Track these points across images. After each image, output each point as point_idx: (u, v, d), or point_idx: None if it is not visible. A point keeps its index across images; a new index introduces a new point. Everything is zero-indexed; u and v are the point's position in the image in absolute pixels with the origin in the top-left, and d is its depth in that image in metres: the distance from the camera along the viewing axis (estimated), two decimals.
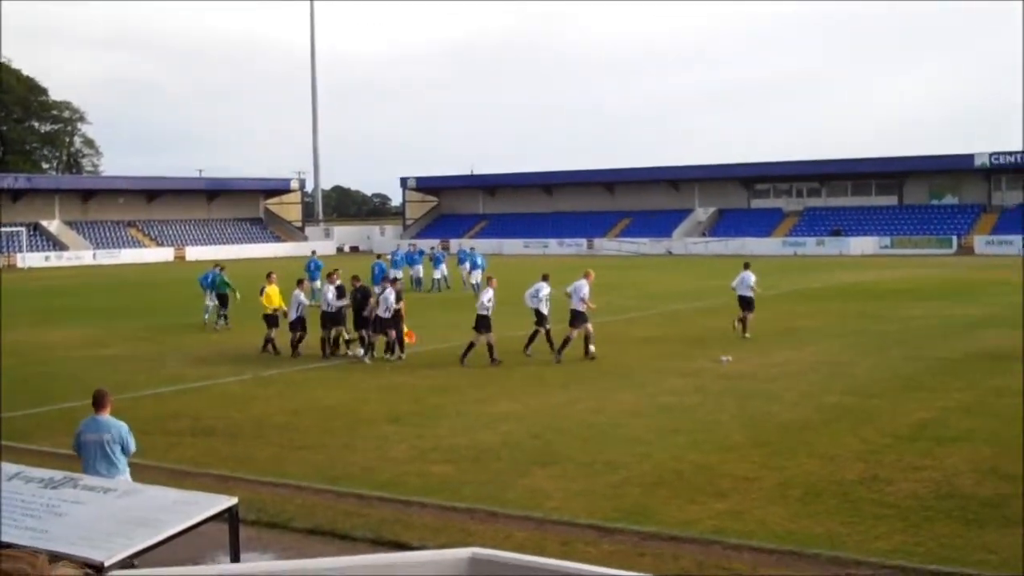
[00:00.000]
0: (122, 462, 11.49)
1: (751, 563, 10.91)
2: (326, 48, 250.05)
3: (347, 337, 27.63)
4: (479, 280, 46.91)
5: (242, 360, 26.78)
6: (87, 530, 9.01)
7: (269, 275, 29.86)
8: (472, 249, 57.68)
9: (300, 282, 29.32)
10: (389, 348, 26.60)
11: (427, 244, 69.94)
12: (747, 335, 28.94)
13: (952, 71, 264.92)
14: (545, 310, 26.23)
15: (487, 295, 25.92)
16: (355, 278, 29.64)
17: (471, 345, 25.33)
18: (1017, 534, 11.51)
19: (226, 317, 35.52)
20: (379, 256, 49.63)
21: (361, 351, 26.73)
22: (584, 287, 26.24)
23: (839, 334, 29.45)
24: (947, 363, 24.00)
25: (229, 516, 9.70)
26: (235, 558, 9.80)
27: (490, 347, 25.26)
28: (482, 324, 25.43)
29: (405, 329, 26.80)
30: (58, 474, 10.88)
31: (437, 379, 23.37)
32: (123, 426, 11.62)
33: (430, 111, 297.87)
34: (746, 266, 30.92)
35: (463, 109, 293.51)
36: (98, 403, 11.68)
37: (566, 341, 25.70)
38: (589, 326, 25.88)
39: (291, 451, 16.52)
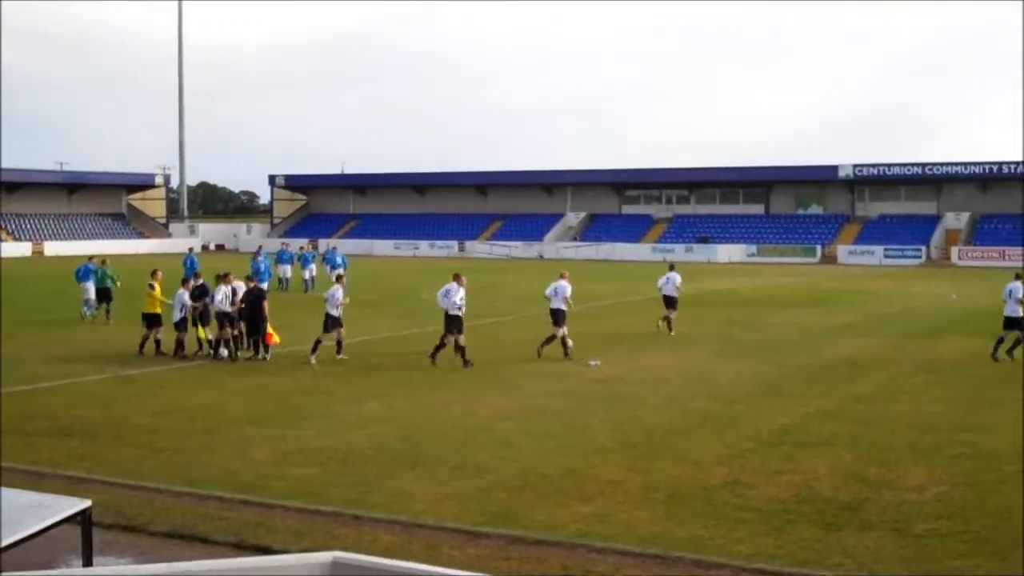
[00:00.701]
0: None
1: (615, 566, 10.95)
2: (194, 40, 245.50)
3: (210, 337, 27.03)
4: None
5: (103, 358, 26.09)
6: None
7: (154, 273, 28.99)
8: (334, 249, 57.29)
9: (184, 281, 28.41)
10: (255, 349, 26.21)
11: (296, 243, 68.87)
12: (672, 333, 30.77)
13: (818, 82, 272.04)
14: (565, 308, 26.75)
15: (459, 294, 25.58)
16: (249, 278, 29.08)
17: (442, 344, 25.17)
18: (873, 537, 11.79)
19: (108, 312, 35.54)
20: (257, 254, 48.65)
21: (225, 352, 26.18)
22: (567, 287, 26.86)
23: (705, 340, 29.93)
24: (808, 370, 24.54)
25: (82, 519, 9.37)
26: (87, 562, 9.49)
27: (461, 348, 25.13)
28: (453, 324, 25.26)
29: (268, 330, 26.36)
30: None
31: (304, 380, 23.06)
32: None
33: (300, 108, 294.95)
34: (671, 267, 33.15)
35: (334, 107, 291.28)
36: None
37: (553, 339, 26.16)
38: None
39: (151, 453, 16.09)
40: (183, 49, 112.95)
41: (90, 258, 39.98)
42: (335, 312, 25.60)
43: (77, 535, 9.71)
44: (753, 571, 10.79)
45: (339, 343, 25.79)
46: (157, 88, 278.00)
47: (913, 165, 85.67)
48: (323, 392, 21.51)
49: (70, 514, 9.28)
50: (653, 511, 12.82)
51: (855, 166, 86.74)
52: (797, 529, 12.09)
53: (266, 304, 26.49)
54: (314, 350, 25.43)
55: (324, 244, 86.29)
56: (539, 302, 28.75)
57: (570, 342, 26.10)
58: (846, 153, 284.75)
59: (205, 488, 13.92)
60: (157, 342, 27.27)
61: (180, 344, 26.86)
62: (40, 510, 9.32)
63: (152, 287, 27.95)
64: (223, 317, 26.53)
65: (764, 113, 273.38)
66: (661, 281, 32.52)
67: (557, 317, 26.47)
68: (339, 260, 49.90)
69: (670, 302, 31.80)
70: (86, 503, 9.39)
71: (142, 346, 27.24)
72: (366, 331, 30.93)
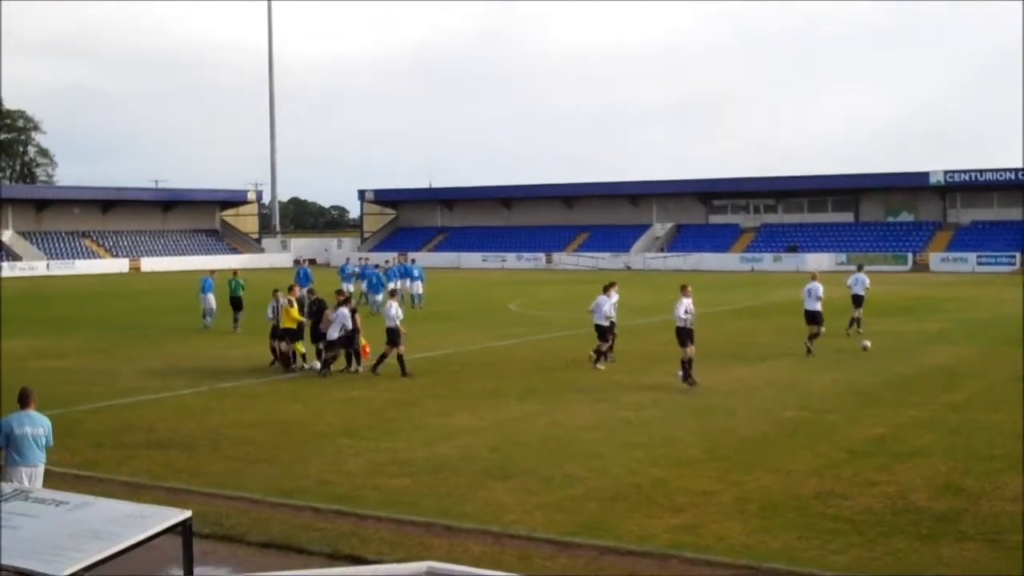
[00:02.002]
0: (44, 453, 12.71)
1: None
2: (285, 58, 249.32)
3: (302, 351, 27.45)
4: (419, 291, 47.14)
5: (198, 372, 26.56)
6: (39, 544, 8.87)
7: (291, 288, 28.70)
8: (413, 262, 56.70)
9: (275, 292, 28.80)
10: (348, 361, 26.49)
11: (383, 257, 69.28)
12: (861, 331, 32.68)
13: (909, 88, 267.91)
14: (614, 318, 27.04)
15: (609, 303, 26.71)
16: (310, 291, 29.52)
17: (599, 350, 26.16)
18: (971, 548, 11.60)
19: (237, 320, 36.83)
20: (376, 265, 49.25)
21: (317, 364, 26.56)
22: (607, 302, 27.02)
23: (795, 350, 29.61)
24: (903, 378, 24.19)
25: (183, 529, 9.57)
26: (188, 572, 9.69)
27: (601, 353, 26.13)
28: (604, 332, 26.29)
29: (362, 342, 26.66)
30: (7, 487, 10.73)
31: (395, 392, 23.27)
32: (49, 422, 12.81)
33: (389, 123, 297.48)
34: (859, 268, 37.32)
35: (423, 122, 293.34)
36: (27, 400, 12.77)
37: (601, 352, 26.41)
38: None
39: (247, 464, 16.37)
40: (274, 67, 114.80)
41: (211, 272, 41.73)
42: (392, 325, 25.95)
43: (177, 545, 9.95)
44: None
45: (382, 357, 26.03)
46: (249, 106, 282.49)
47: (1006, 171, 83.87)
48: (413, 404, 21.68)
49: (171, 524, 9.51)
50: (746, 522, 12.74)
51: (946, 172, 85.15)
52: (892, 540, 11.94)
53: (358, 317, 26.75)
54: (377, 364, 25.87)
55: (414, 257, 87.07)
56: (626, 314, 28.65)
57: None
58: (937, 159, 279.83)
59: (300, 499, 14.13)
60: (294, 355, 27.26)
61: (275, 353, 27.32)
62: (142, 520, 9.55)
63: (291, 303, 27.52)
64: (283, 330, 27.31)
65: (853, 120, 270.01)
66: (850, 281, 34.96)
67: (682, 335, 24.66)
68: (416, 272, 49.25)
69: (857, 300, 34.12)
70: (186, 514, 9.61)
71: (277, 359, 27.37)
72: (454, 343, 31.12)
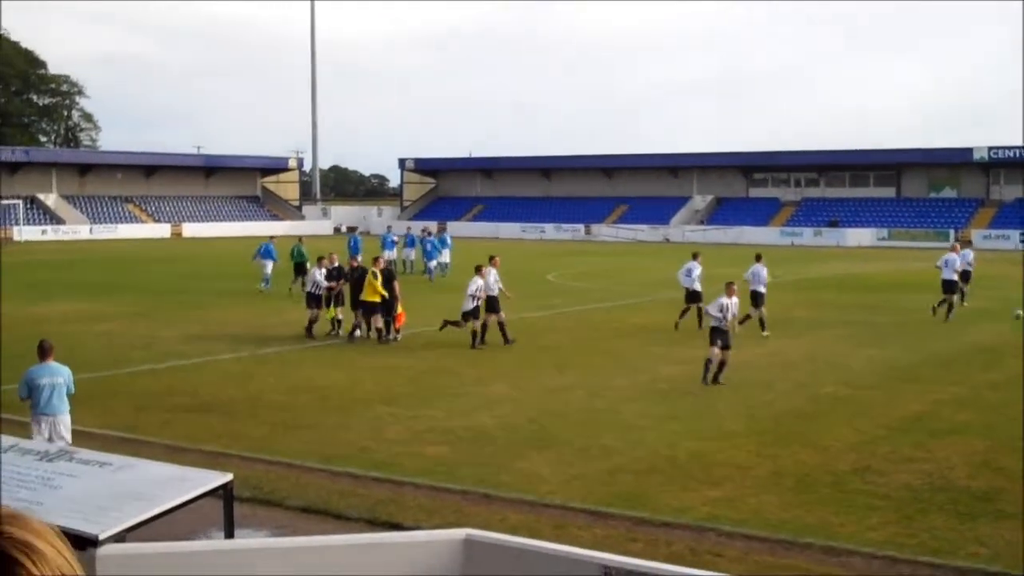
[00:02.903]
0: (67, 402, 13.40)
1: (744, 550, 10.94)
2: (326, 26, 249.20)
3: (339, 316, 27.57)
4: (447, 260, 47.58)
5: (240, 338, 26.75)
6: (81, 503, 9.02)
7: (376, 260, 27.97)
8: (443, 231, 56.44)
9: (320, 260, 28.75)
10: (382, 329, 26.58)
11: (420, 226, 69.16)
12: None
13: (951, 63, 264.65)
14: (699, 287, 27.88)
15: (697, 271, 27.71)
16: (352, 258, 29.60)
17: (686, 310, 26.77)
18: (1009, 527, 11.56)
19: (295, 284, 36.99)
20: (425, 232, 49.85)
21: (356, 332, 26.69)
22: (763, 271, 28.27)
23: (835, 325, 29.48)
24: (942, 356, 24.04)
25: (224, 492, 9.71)
26: (229, 534, 9.82)
27: (501, 326, 25.61)
28: (491, 305, 25.70)
29: (399, 310, 26.74)
30: (53, 447, 10.91)
31: (433, 361, 23.38)
32: (69, 371, 13.56)
33: (430, 92, 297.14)
34: (959, 246, 35.73)
35: (462, 91, 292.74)
36: (46, 352, 13.54)
37: (749, 318, 26.92)
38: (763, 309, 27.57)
39: (286, 429, 16.54)
40: (315, 34, 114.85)
41: (271, 238, 43.09)
42: (492, 293, 25.92)
43: (216, 508, 10.10)
44: (884, 559, 10.69)
45: (484, 327, 25.90)
46: (291, 74, 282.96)
47: None
48: (452, 373, 21.79)
49: (212, 487, 9.66)
50: (782, 496, 12.76)
51: (990, 148, 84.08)
52: (929, 518, 11.92)
53: (396, 285, 26.80)
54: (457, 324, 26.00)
55: (452, 227, 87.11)
56: (665, 287, 28.62)
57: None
58: (980, 135, 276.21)
59: (339, 465, 14.28)
60: (379, 330, 26.64)
61: (313, 323, 27.47)
62: (183, 483, 9.70)
63: (375, 275, 26.73)
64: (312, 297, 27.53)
65: (895, 94, 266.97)
66: (949, 257, 32.56)
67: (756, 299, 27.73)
68: (436, 245, 48.98)
69: (949, 286, 31.61)
70: (227, 477, 9.76)
71: (353, 332, 26.92)
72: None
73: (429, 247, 47.07)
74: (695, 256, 28.99)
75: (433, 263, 47.14)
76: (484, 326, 25.42)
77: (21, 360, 15.94)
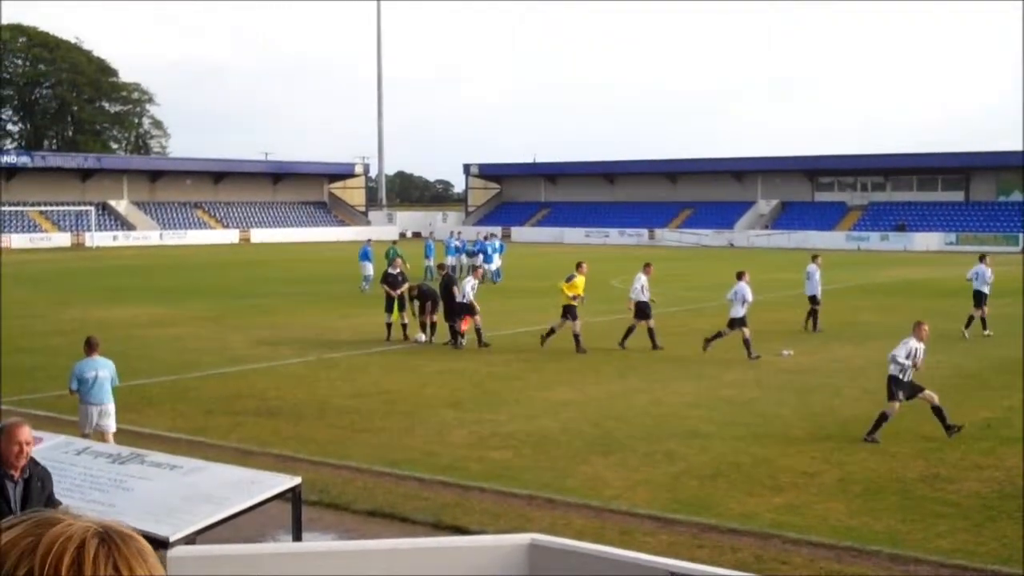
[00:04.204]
0: (111, 393, 14.37)
1: (810, 558, 10.89)
2: (392, 32, 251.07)
3: (404, 321, 27.64)
4: (497, 267, 47.86)
5: (307, 342, 27.01)
6: (153, 505, 9.20)
7: (579, 265, 26.83)
8: (486, 238, 55.97)
9: (475, 268, 28.62)
10: (453, 335, 26.67)
11: (485, 232, 69.06)
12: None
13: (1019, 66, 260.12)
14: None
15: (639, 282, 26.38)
16: (441, 266, 29.73)
17: (631, 329, 25.87)
18: None
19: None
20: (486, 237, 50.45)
21: (421, 337, 26.78)
22: (987, 271, 29.46)
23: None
24: (1012, 362, 23.68)
25: (292, 496, 9.86)
26: (297, 537, 9.96)
27: (651, 332, 25.82)
28: (641, 311, 26.05)
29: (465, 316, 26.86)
30: (125, 450, 11.11)
31: (498, 366, 23.46)
32: (113, 364, 14.49)
33: (494, 98, 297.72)
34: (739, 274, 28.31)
35: (526, 96, 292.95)
36: (92, 347, 14.41)
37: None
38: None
39: (353, 433, 16.70)
40: (382, 41, 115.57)
41: (368, 240, 44.84)
42: (462, 299, 26.13)
43: (284, 511, 10.24)
44: (953, 567, 10.58)
45: (454, 332, 26.39)
46: (357, 81, 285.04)
47: None
48: (516, 378, 21.86)
49: (281, 491, 9.80)
50: (849, 504, 12.67)
51: None
52: (999, 525, 11.78)
53: (455, 290, 26.83)
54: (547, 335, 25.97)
55: (516, 232, 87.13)
56: (729, 292, 28.41)
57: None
58: None
59: (405, 469, 14.39)
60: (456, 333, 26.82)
61: (391, 327, 27.59)
62: (252, 486, 9.86)
63: (571, 278, 26.20)
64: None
65: (964, 96, 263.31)
66: (970, 274, 30.64)
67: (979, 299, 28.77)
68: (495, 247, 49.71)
69: (979, 298, 29.83)
70: (296, 480, 9.90)
71: (577, 343, 25.75)
72: (556, 318, 31.17)
73: (490, 251, 48.06)
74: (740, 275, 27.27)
75: (492, 267, 47.61)
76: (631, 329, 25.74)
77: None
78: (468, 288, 26.35)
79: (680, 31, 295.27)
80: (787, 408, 18.48)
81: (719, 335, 25.15)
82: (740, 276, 26.14)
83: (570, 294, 25.74)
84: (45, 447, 10.36)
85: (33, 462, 7.79)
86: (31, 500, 7.65)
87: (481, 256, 48.14)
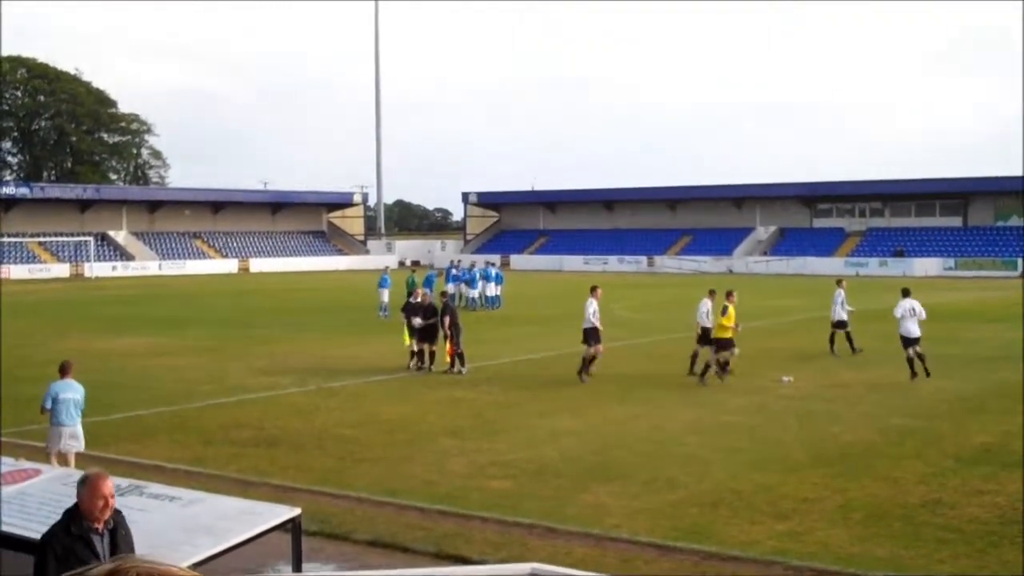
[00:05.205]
0: (79, 415, 15.23)
1: None
2: (390, 61, 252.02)
3: (415, 348, 27.51)
4: (495, 293, 48.45)
5: (306, 371, 26.97)
6: (153, 537, 9.15)
7: (730, 294, 26.03)
8: (492, 264, 55.97)
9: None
10: (452, 363, 26.63)
11: (483, 259, 68.99)
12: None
13: (1018, 87, 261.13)
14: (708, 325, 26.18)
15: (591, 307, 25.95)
16: (443, 293, 29.74)
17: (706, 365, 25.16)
18: None
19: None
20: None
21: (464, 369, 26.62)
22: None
23: (901, 356, 29.12)
24: (1011, 386, 23.66)
25: (292, 526, 9.80)
26: (297, 568, 9.91)
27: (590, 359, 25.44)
28: (705, 338, 25.86)
29: (447, 345, 26.84)
30: (124, 481, 11.06)
31: (497, 394, 23.42)
32: (83, 389, 15.36)
33: (491, 126, 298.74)
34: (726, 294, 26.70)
35: (524, 124, 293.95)
36: (66, 370, 15.28)
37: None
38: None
39: (352, 463, 16.65)
40: (379, 71, 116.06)
41: (386, 268, 46.22)
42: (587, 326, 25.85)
43: (284, 540, 10.19)
44: None
45: (430, 354, 26.79)
46: (355, 110, 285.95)
47: None
48: (515, 405, 21.83)
49: (281, 521, 9.75)
50: (851, 530, 12.63)
51: None
52: (1001, 551, 11.75)
53: (447, 319, 26.74)
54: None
55: (515, 260, 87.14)
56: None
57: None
58: None
59: (405, 498, 14.34)
60: (430, 355, 27.14)
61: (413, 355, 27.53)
62: (252, 517, 9.81)
63: (725, 310, 25.49)
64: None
65: (960, 121, 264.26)
66: (898, 312, 26.93)
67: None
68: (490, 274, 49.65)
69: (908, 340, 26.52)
70: (296, 511, 9.85)
71: (722, 369, 25.21)
72: (556, 345, 31.21)
73: (470, 278, 48.80)
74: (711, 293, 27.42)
75: (474, 293, 48.67)
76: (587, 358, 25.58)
77: (89, 392, 16.20)
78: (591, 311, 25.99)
79: (677, 55, 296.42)
80: (788, 434, 18.44)
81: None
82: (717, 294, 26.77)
83: (729, 325, 25.22)
84: (43, 479, 10.32)
85: (115, 511, 7.65)
86: (119, 551, 7.54)
87: (482, 282, 48.35)
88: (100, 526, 7.40)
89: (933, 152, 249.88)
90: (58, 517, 9.37)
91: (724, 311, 25.46)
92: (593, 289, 26.49)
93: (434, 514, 13.61)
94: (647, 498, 14.23)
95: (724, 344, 25.29)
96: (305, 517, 10.29)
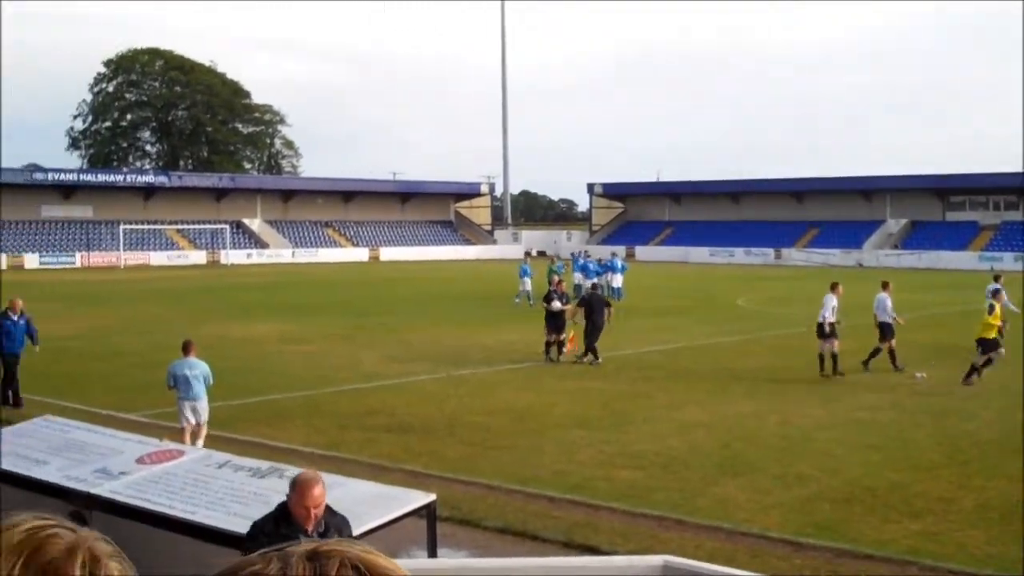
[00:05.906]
0: (204, 389, 15.94)
1: None
2: (517, 51, 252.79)
3: (561, 338, 27.59)
4: (619, 284, 48.01)
5: (437, 359, 27.31)
6: None
7: (997, 293, 25.51)
8: (614, 255, 55.60)
9: (834, 286, 26.17)
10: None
11: (608, 251, 68.66)
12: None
13: None
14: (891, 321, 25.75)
15: (888, 303, 25.71)
16: (593, 285, 29.82)
17: (876, 350, 25.28)
18: None
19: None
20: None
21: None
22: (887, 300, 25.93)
23: None
24: None
25: (427, 512, 10.01)
26: (432, 554, 10.11)
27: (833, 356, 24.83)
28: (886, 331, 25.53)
29: (570, 334, 26.95)
30: (264, 464, 11.39)
31: (625, 385, 23.45)
32: (206, 365, 16.05)
33: (618, 116, 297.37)
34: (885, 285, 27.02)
35: (650, 115, 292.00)
36: (188, 349, 16.07)
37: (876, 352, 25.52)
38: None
39: (483, 450, 16.87)
40: (506, 62, 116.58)
41: (527, 253, 48.12)
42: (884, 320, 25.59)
43: (418, 526, 10.40)
44: None
45: (558, 345, 26.95)
46: (482, 101, 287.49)
47: None
48: (644, 397, 21.84)
49: (416, 507, 9.96)
50: (988, 531, 12.40)
51: None
52: None
53: (568, 308, 26.97)
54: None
55: (639, 251, 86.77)
56: (860, 312, 27.99)
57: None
58: None
59: (535, 487, 14.50)
60: (557, 346, 27.45)
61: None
62: (389, 502, 10.04)
63: (992, 309, 24.62)
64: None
65: None
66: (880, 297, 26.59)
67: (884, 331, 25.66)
68: (592, 267, 49.13)
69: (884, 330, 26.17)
70: (431, 497, 10.05)
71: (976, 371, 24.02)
72: (684, 338, 31.09)
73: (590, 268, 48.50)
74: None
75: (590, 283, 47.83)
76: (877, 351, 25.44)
77: (225, 377, 16.74)
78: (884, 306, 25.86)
79: (807, 47, 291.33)
80: (922, 432, 18.14)
81: (876, 352, 25.23)
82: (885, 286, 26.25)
83: (996, 323, 24.43)
84: (187, 459, 10.70)
85: (329, 511, 7.57)
86: None
87: (609, 274, 48.30)
88: (310, 528, 7.19)
89: None
90: (201, 496, 9.79)
91: (991, 310, 24.41)
92: (834, 286, 25.71)
93: (563, 503, 13.73)
94: (778, 493, 14.15)
95: (990, 345, 24.11)
96: (438, 503, 10.49)
